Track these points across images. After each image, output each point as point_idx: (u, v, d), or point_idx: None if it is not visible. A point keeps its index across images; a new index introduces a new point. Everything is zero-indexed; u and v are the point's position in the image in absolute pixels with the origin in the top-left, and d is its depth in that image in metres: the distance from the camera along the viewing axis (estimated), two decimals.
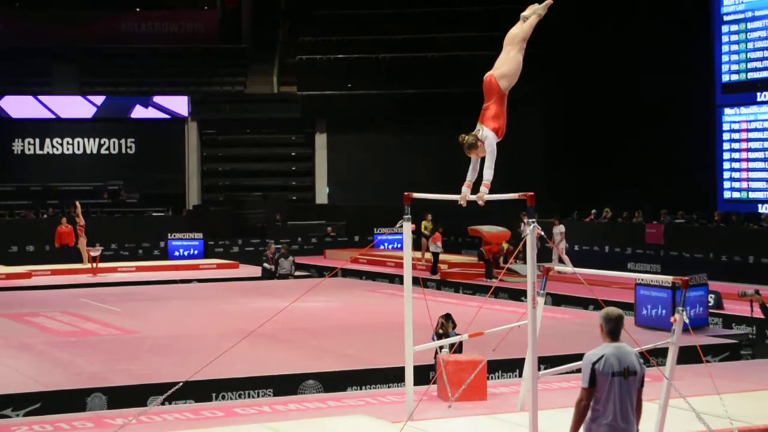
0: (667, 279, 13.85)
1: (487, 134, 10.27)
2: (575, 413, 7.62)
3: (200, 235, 35.63)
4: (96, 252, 30.80)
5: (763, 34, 32.26)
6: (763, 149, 32.44)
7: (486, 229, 30.44)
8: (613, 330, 7.72)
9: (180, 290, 27.87)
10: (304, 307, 19.98)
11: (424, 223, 30.28)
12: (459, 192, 10.54)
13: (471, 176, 10.47)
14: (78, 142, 43.93)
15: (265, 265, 30.21)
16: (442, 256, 30.25)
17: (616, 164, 36.63)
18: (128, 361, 16.08)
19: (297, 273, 30.42)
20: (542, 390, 11.07)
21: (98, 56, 44.49)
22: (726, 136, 33.64)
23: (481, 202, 10.43)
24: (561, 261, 28.26)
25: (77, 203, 32.74)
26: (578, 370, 7.93)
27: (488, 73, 10.53)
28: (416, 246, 29.94)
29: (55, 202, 39.81)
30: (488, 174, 10.25)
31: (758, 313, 19.05)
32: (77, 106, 43.35)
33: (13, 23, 44.23)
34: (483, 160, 10.31)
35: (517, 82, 10.64)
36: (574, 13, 38.43)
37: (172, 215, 40.52)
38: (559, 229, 29.26)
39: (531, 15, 10.70)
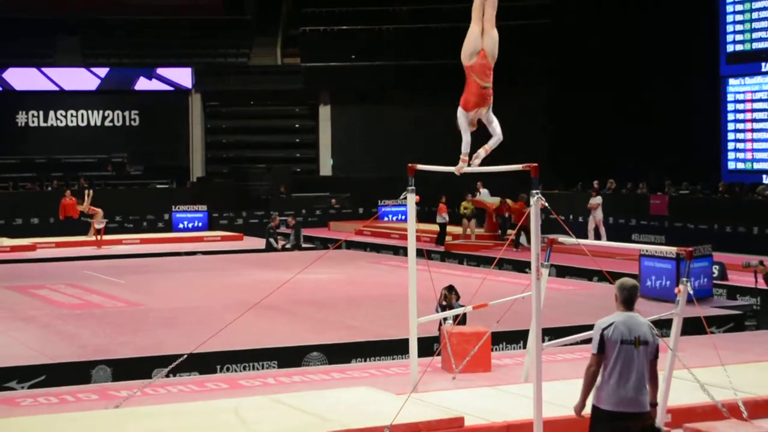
0: (672, 250, 13.83)
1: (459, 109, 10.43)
2: (585, 378, 7.72)
3: (204, 207, 35.62)
4: (100, 224, 30.81)
5: None
6: None
7: (490, 201, 30.50)
8: (626, 299, 7.80)
9: (184, 262, 27.91)
10: (309, 279, 20.00)
11: (464, 203, 30.27)
12: None
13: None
14: (82, 115, 43.88)
15: (270, 240, 30.24)
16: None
17: (620, 135, 36.52)
18: (133, 334, 16.12)
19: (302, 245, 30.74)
20: (546, 362, 11.08)
21: (101, 28, 44.31)
22: (731, 106, 33.53)
23: (457, 173, 10.60)
24: (597, 231, 28.63)
25: (90, 192, 32.04)
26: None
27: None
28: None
29: (59, 174, 39.85)
30: (463, 148, 10.41)
31: (762, 284, 19.15)
32: (81, 79, 43.26)
33: None
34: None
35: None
36: None
37: (176, 187, 40.53)
38: (597, 200, 29.23)
39: None
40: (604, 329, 7.65)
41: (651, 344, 7.70)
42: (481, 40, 10.37)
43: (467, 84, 10.45)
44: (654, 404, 7.78)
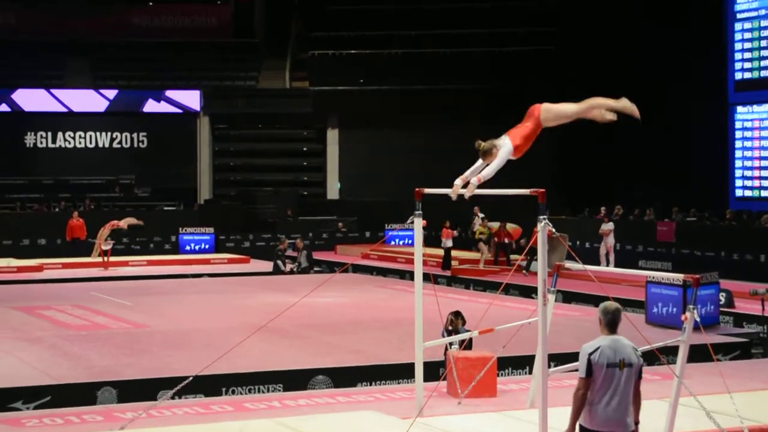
0: (679, 277, 13.84)
1: (506, 143, 10.31)
2: (573, 402, 7.86)
3: (211, 230, 35.60)
4: (107, 246, 30.81)
5: None
6: None
7: (497, 226, 30.52)
8: (610, 322, 7.92)
9: (191, 285, 27.88)
10: (315, 303, 19.96)
11: (479, 228, 30.27)
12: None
13: (469, 174, 10.47)
14: (90, 136, 44.00)
15: (278, 262, 30.28)
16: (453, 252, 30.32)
17: (628, 161, 36.54)
18: (139, 355, 16.10)
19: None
20: (552, 387, 11.05)
21: (111, 50, 44.56)
22: (738, 134, 33.58)
23: (467, 195, 10.45)
24: (608, 257, 28.65)
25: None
26: None
27: (539, 104, 10.62)
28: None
29: (67, 195, 39.95)
30: (486, 173, 10.29)
31: None
32: (90, 100, 43.42)
33: (26, 17, 44.30)
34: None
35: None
36: (588, 10, 38.45)
37: (183, 209, 40.59)
38: (609, 226, 29.25)
39: (618, 104, 11.33)
40: (590, 354, 7.76)
41: (635, 365, 7.82)
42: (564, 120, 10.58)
43: (532, 136, 10.52)
44: (637, 422, 7.90)
